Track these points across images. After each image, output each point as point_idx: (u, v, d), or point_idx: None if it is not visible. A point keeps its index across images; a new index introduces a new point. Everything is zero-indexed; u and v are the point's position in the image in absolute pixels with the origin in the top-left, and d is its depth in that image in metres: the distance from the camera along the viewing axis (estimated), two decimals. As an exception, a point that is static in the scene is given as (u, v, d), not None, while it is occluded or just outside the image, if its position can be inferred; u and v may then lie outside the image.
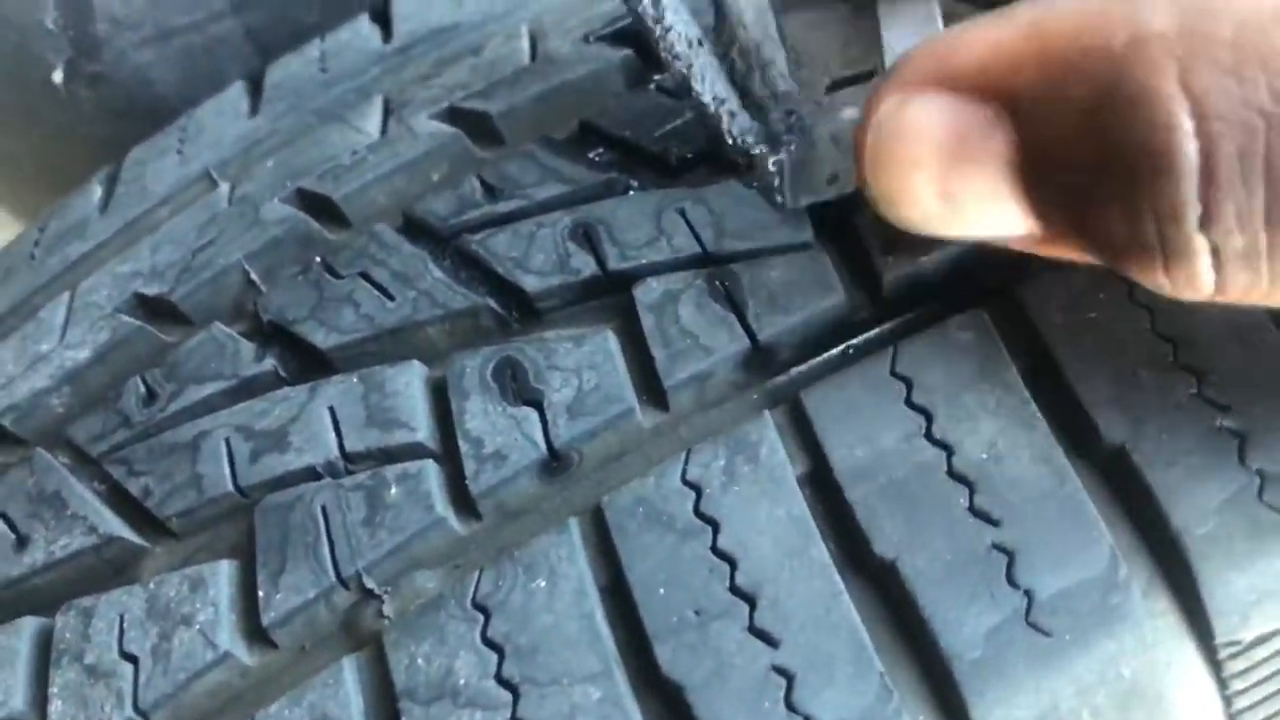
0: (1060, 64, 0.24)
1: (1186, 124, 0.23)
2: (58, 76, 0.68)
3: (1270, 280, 0.24)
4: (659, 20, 0.36)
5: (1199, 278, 0.24)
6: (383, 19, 0.53)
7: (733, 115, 0.38)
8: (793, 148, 0.36)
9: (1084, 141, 0.24)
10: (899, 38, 0.38)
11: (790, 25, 0.40)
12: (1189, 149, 0.23)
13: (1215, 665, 0.32)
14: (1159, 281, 0.25)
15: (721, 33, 0.37)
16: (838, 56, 0.39)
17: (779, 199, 0.36)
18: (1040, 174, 0.25)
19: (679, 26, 0.36)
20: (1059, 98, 0.24)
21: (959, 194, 0.27)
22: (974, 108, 0.25)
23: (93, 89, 0.69)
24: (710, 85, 0.37)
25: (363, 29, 0.53)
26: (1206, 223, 0.23)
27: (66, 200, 0.53)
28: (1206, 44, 0.22)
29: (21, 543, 0.39)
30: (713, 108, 0.37)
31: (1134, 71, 0.23)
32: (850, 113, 0.37)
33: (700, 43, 0.36)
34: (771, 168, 0.37)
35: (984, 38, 0.25)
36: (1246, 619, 0.32)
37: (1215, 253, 0.24)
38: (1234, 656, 0.32)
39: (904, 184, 0.27)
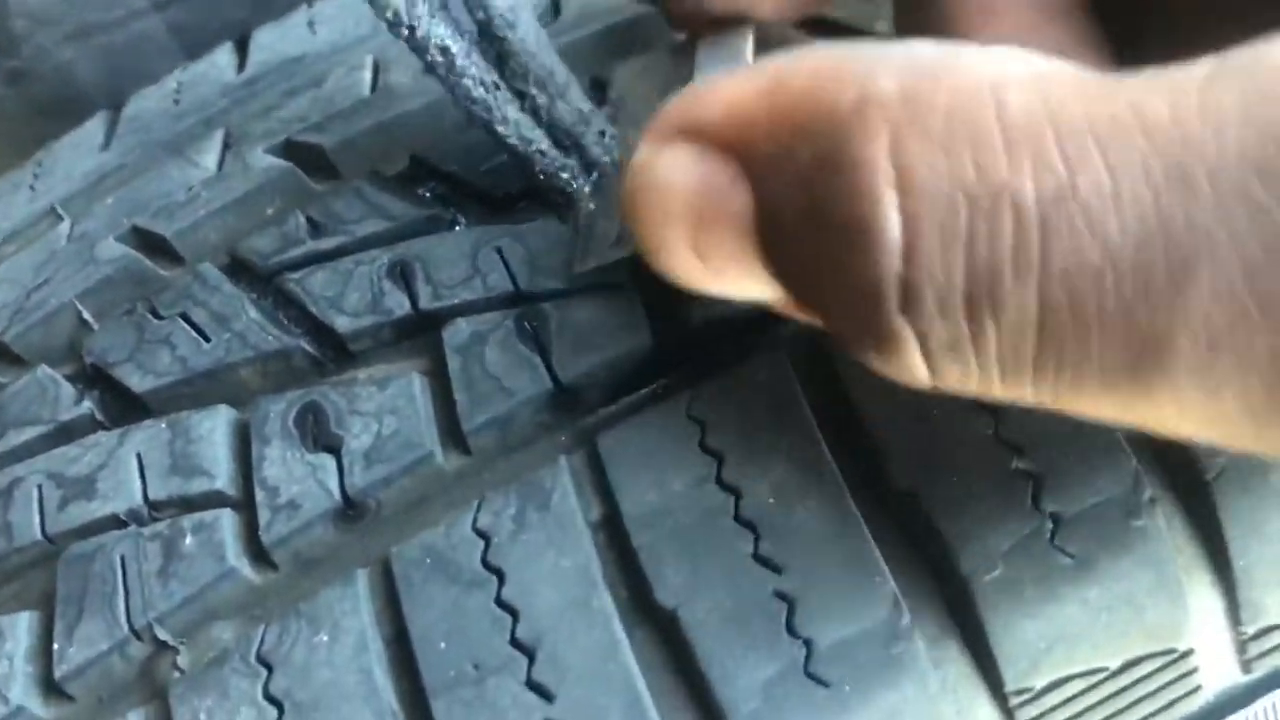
0: (790, 122, 0.23)
1: (889, 197, 0.21)
2: None
3: (982, 374, 0.22)
4: (450, 69, 0.35)
5: (911, 367, 0.23)
6: (241, 49, 0.52)
7: (542, 154, 0.37)
8: (591, 207, 0.36)
9: (804, 209, 0.23)
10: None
11: (617, 75, 0.39)
12: (889, 224, 0.21)
13: (1007, 713, 0.32)
14: (878, 368, 0.23)
15: (512, 69, 0.36)
16: (659, 104, 0.38)
17: (571, 263, 0.35)
18: (773, 238, 0.24)
19: (472, 70, 0.35)
20: (786, 159, 0.23)
21: (709, 252, 0.25)
22: (718, 163, 0.24)
23: (12, 86, 0.68)
24: (515, 127, 0.36)
25: (220, 59, 0.52)
26: (907, 308, 0.22)
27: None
28: (921, 112, 0.21)
29: None
30: (521, 148, 0.37)
31: (849, 136, 0.22)
32: None
33: (497, 85, 0.36)
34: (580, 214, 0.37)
35: (730, 89, 0.24)
36: (1037, 665, 0.31)
37: (922, 341, 0.22)
38: (1025, 703, 0.31)
39: (658, 237, 0.26)
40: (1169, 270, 0.19)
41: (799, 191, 0.23)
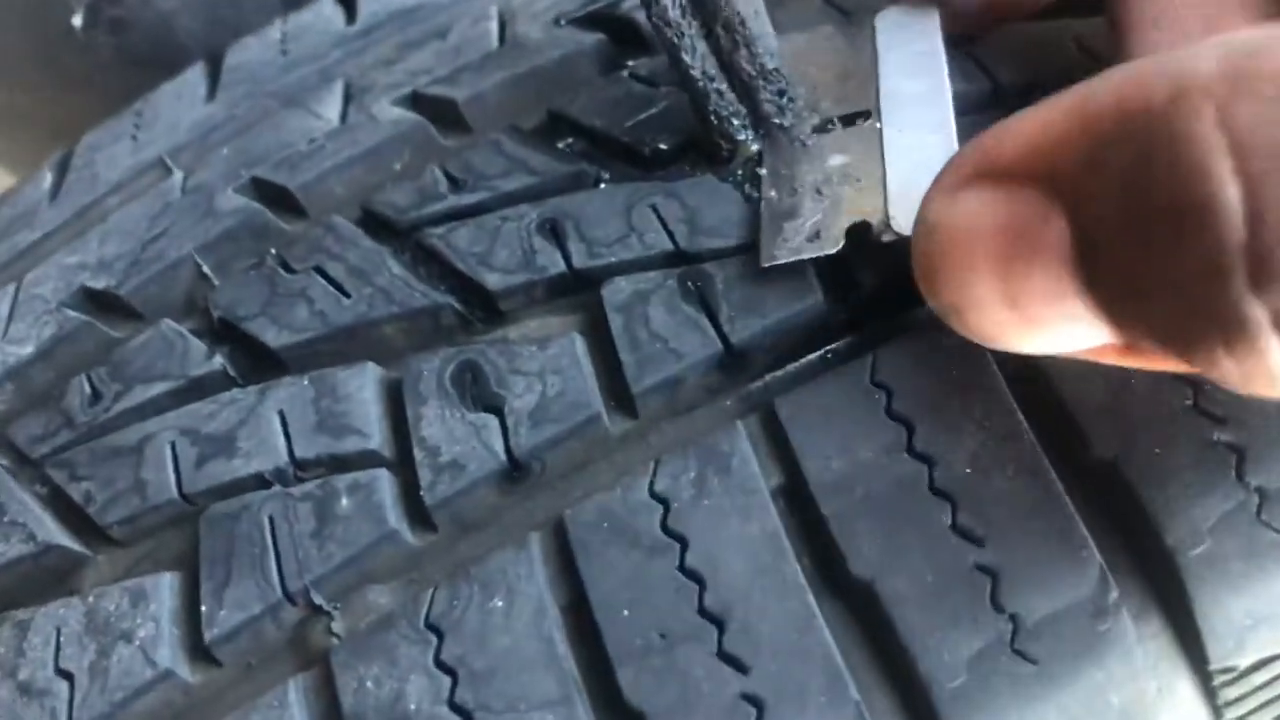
0: (1102, 133, 0.22)
1: (1224, 165, 0.20)
2: (77, 21, 0.66)
3: None
4: None
5: (1267, 360, 0.21)
6: (345, 1, 0.51)
7: (720, 94, 0.36)
8: (771, 194, 0.34)
9: (1127, 213, 0.21)
10: (897, 73, 0.36)
11: (782, 50, 0.38)
12: (1228, 194, 0.20)
13: (1209, 692, 0.30)
14: (1227, 375, 0.22)
15: (706, 6, 0.35)
16: (831, 89, 0.37)
17: (759, 253, 0.34)
18: (1094, 260, 0.22)
19: None
20: (1101, 169, 0.22)
21: (1023, 298, 0.24)
22: (1025, 197, 0.23)
23: (113, 35, 0.67)
24: (700, 59, 0.35)
25: (325, 10, 0.50)
26: (1260, 280, 0.20)
27: (17, 186, 0.51)
28: (1249, 80, 0.20)
29: (-44, 550, 0.37)
30: (701, 84, 0.35)
31: (1170, 123, 0.20)
32: (837, 160, 0.35)
33: (690, 11, 0.34)
34: (751, 170, 0.35)
35: (1030, 120, 0.23)
36: (1242, 644, 0.30)
37: (1278, 320, 0.20)
38: (1229, 683, 0.30)
39: (964, 293, 0.25)
40: None
41: (1120, 197, 0.21)
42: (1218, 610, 0.30)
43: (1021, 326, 0.24)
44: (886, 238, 0.31)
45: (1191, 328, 0.21)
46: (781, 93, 0.36)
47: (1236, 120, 0.20)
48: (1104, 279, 0.23)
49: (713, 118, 0.36)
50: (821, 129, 0.37)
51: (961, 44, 0.38)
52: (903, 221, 0.31)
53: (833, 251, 0.32)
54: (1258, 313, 0.20)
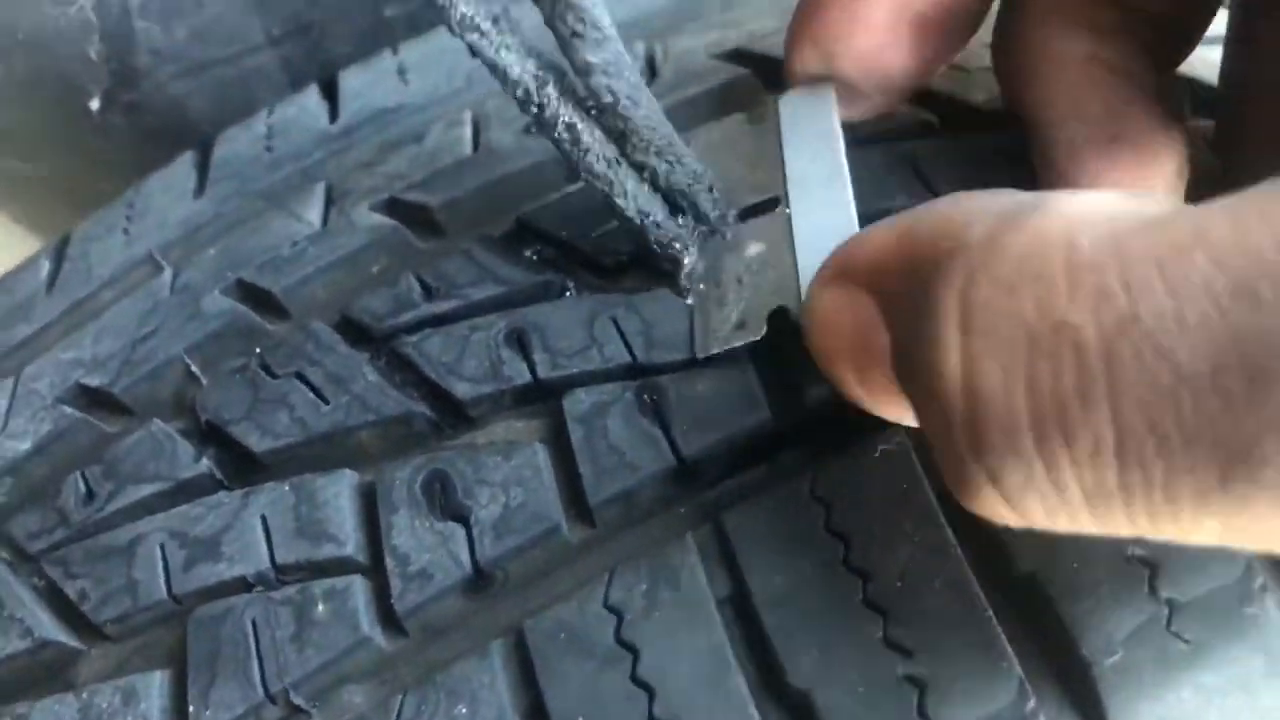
0: (909, 268, 0.24)
1: (952, 338, 0.22)
2: (94, 105, 0.69)
3: (1067, 508, 0.22)
4: (575, 144, 0.36)
5: (992, 507, 0.23)
6: (330, 94, 0.53)
7: (658, 225, 0.38)
8: (701, 287, 0.37)
9: (906, 351, 0.24)
10: (800, 156, 0.38)
11: (695, 142, 0.40)
12: (949, 366, 0.22)
13: (1123, 795, 0.33)
14: (968, 507, 0.24)
15: (633, 144, 0.37)
16: (745, 179, 0.39)
17: (691, 347, 0.36)
18: (899, 376, 0.26)
19: (596, 147, 0.36)
20: (905, 302, 0.24)
21: (868, 385, 0.28)
22: (865, 305, 0.26)
23: (127, 117, 0.70)
24: (633, 200, 0.37)
25: (310, 104, 0.53)
26: (974, 446, 0.22)
27: (14, 274, 0.53)
28: (995, 256, 0.22)
29: (-44, 644, 0.40)
30: (638, 221, 0.38)
31: (933, 280, 0.23)
32: (755, 249, 0.37)
33: (618, 160, 0.37)
34: (685, 281, 0.38)
35: (875, 234, 0.26)
36: (1154, 748, 0.32)
37: (996, 482, 0.22)
38: (1142, 784, 0.32)
39: (832, 372, 0.29)
40: (1247, 380, 0.19)
41: (904, 335, 0.25)
42: (1131, 717, 0.32)
43: (874, 405, 0.28)
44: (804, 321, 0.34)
45: (944, 465, 0.24)
46: (711, 188, 0.38)
47: (971, 296, 0.22)
48: (908, 394, 0.26)
49: (655, 246, 0.38)
50: (740, 219, 0.39)
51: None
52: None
53: (757, 338, 0.35)
54: (978, 473, 0.22)
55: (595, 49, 0.35)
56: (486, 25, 0.35)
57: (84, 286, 0.49)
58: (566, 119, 0.37)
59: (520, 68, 0.36)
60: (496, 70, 0.36)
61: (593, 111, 0.37)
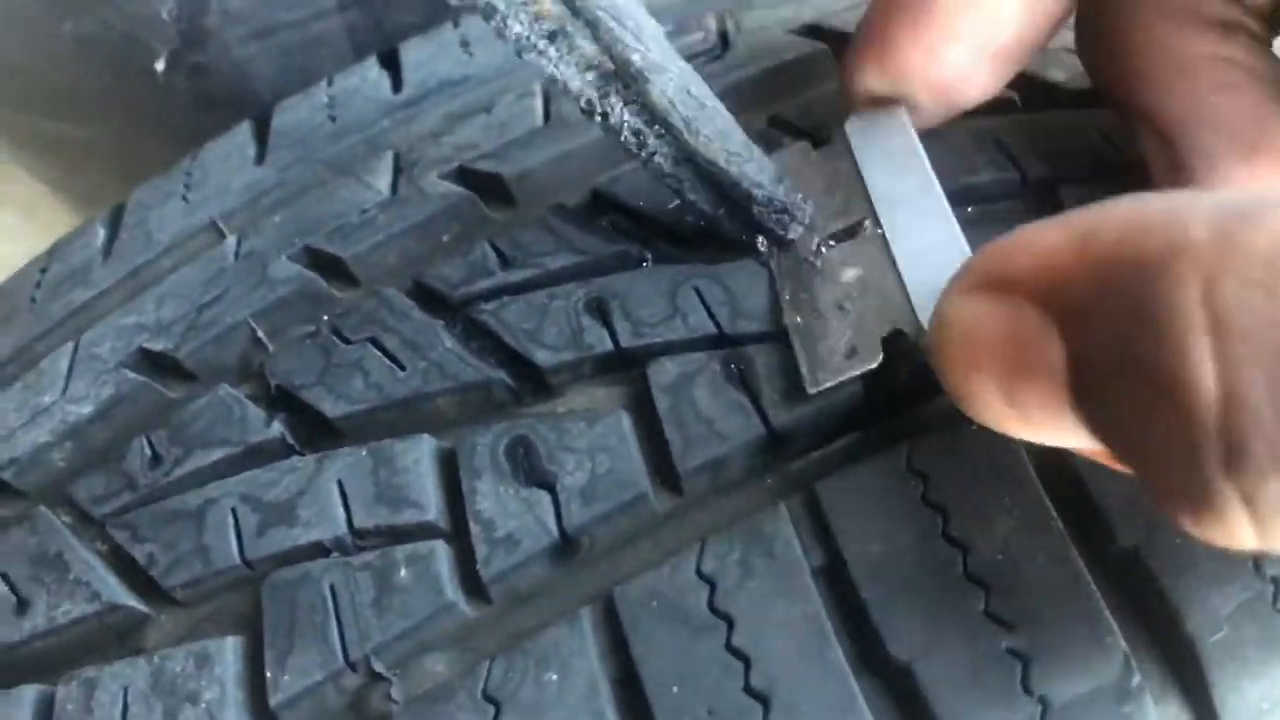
0: (1101, 274, 0.23)
1: (1201, 345, 0.20)
2: (160, 65, 0.68)
3: None
4: (642, 148, 0.36)
5: (1235, 532, 0.21)
6: (391, 65, 0.52)
7: (732, 218, 0.38)
8: (797, 320, 0.36)
9: (1117, 359, 0.22)
10: (881, 176, 0.37)
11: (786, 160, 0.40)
12: (1202, 374, 0.20)
13: (1225, 774, 0.32)
14: (1191, 530, 0.22)
15: (698, 151, 0.36)
16: (823, 204, 0.38)
17: (803, 383, 0.35)
18: (1086, 388, 0.24)
19: (664, 149, 0.36)
20: (1098, 312, 0.23)
21: (1021, 401, 0.26)
22: (1030, 314, 0.24)
23: (191, 80, 0.69)
24: (705, 196, 0.37)
25: (371, 75, 0.52)
26: (1231, 463, 0.20)
27: (66, 242, 0.53)
28: (1238, 255, 0.20)
29: (22, 606, 0.39)
30: (711, 214, 0.38)
31: (1159, 284, 0.21)
32: (850, 274, 0.36)
33: (687, 160, 0.37)
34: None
35: (1039, 237, 0.24)
36: (1258, 727, 0.32)
37: (1249, 503, 0.20)
38: (1245, 764, 0.32)
39: (968, 385, 0.27)
40: None
41: (1112, 345, 0.22)
42: (1235, 695, 0.31)
43: (1019, 424, 0.26)
44: (924, 342, 0.33)
45: (1166, 484, 0.22)
46: (783, 211, 0.37)
47: (1219, 299, 0.20)
48: (1094, 411, 0.24)
49: (733, 235, 0.38)
50: (825, 245, 0.38)
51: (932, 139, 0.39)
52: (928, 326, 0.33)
53: (873, 366, 0.34)
54: (1228, 492, 0.20)
55: (651, 74, 0.35)
56: (543, 44, 0.35)
57: (144, 253, 0.49)
58: (631, 125, 0.36)
59: (580, 81, 0.36)
60: (559, 84, 0.36)
61: (654, 120, 0.36)
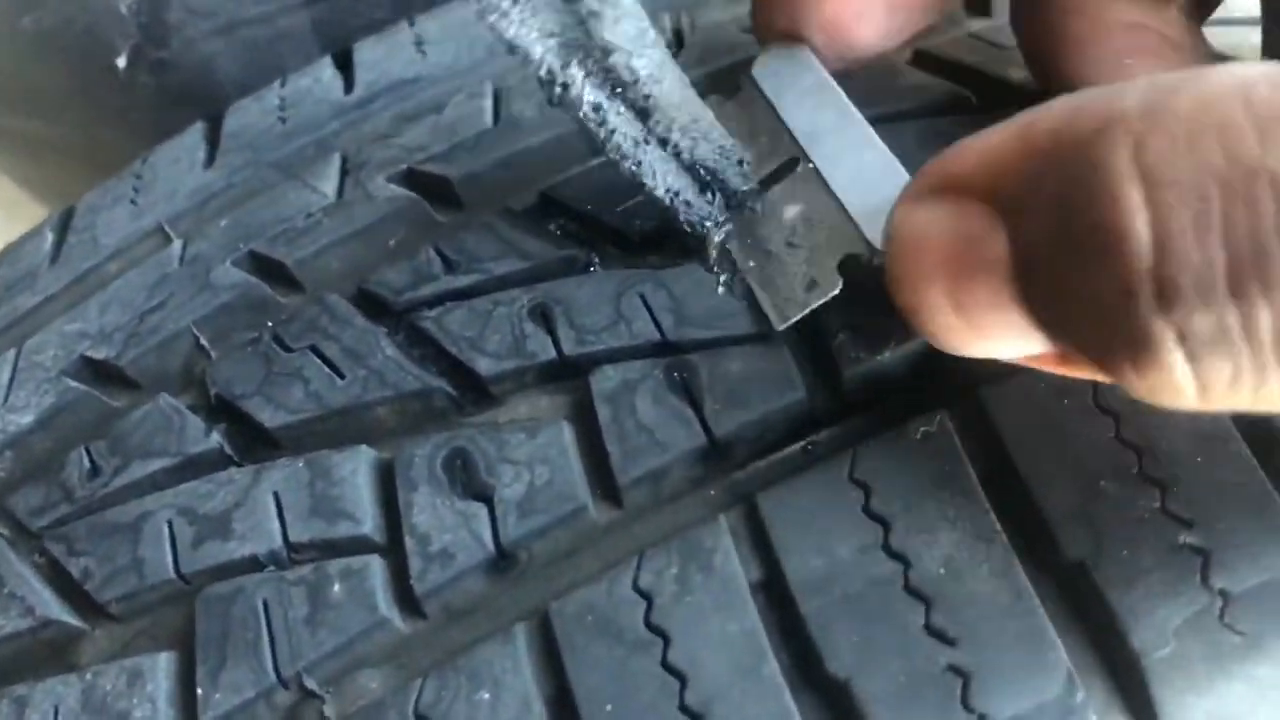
0: (1038, 158, 0.24)
1: (1135, 196, 0.22)
2: (121, 62, 0.67)
3: (1256, 368, 0.22)
4: (601, 124, 0.35)
5: (1172, 375, 0.23)
6: (345, 66, 0.51)
7: (688, 204, 0.37)
8: (750, 264, 0.35)
9: (1056, 234, 0.24)
10: (801, 114, 0.37)
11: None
12: (1138, 222, 0.22)
13: (1171, 791, 0.31)
14: (1136, 386, 0.24)
15: (657, 121, 0.36)
16: (750, 150, 0.38)
17: (771, 323, 0.35)
18: (1029, 276, 0.25)
19: (622, 126, 0.35)
20: (1037, 192, 0.24)
21: (969, 305, 0.26)
22: (973, 212, 0.25)
23: (154, 76, 0.68)
24: (661, 179, 0.36)
25: (324, 75, 0.51)
26: (1164, 301, 0.22)
27: (16, 246, 0.52)
28: (1163, 117, 0.22)
29: (-45, 621, 0.38)
30: (667, 200, 0.37)
31: (1092, 153, 0.23)
32: (792, 211, 0.36)
33: (646, 140, 0.36)
34: (715, 250, 0.37)
35: (983, 140, 0.25)
36: (1205, 744, 0.31)
37: (1183, 340, 0.22)
38: (1191, 781, 0.31)
39: (919, 297, 0.27)
40: None
41: (1049, 217, 0.24)
42: (1181, 712, 0.31)
43: (968, 332, 0.27)
44: (877, 261, 0.32)
45: (1108, 343, 0.24)
46: (741, 161, 0.37)
47: (1148, 154, 0.22)
48: (1037, 294, 0.25)
49: (685, 226, 0.37)
50: (763, 188, 0.38)
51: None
52: (882, 241, 0.33)
53: (835, 291, 0.34)
54: (1163, 331, 0.22)
55: (614, 26, 0.34)
56: (507, 5, 0.34)
57: (90, 258, 0.48)
58: (591, 99, 0.35)
59: (542, 47, 0.35)
60: (519, 51, 0.35)
61: (616, 90, 0.35)
